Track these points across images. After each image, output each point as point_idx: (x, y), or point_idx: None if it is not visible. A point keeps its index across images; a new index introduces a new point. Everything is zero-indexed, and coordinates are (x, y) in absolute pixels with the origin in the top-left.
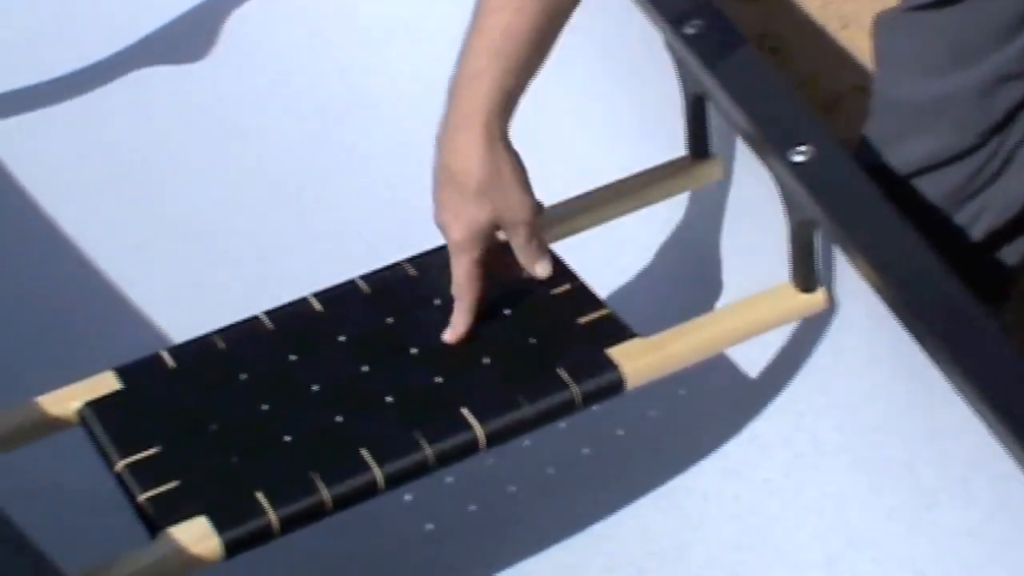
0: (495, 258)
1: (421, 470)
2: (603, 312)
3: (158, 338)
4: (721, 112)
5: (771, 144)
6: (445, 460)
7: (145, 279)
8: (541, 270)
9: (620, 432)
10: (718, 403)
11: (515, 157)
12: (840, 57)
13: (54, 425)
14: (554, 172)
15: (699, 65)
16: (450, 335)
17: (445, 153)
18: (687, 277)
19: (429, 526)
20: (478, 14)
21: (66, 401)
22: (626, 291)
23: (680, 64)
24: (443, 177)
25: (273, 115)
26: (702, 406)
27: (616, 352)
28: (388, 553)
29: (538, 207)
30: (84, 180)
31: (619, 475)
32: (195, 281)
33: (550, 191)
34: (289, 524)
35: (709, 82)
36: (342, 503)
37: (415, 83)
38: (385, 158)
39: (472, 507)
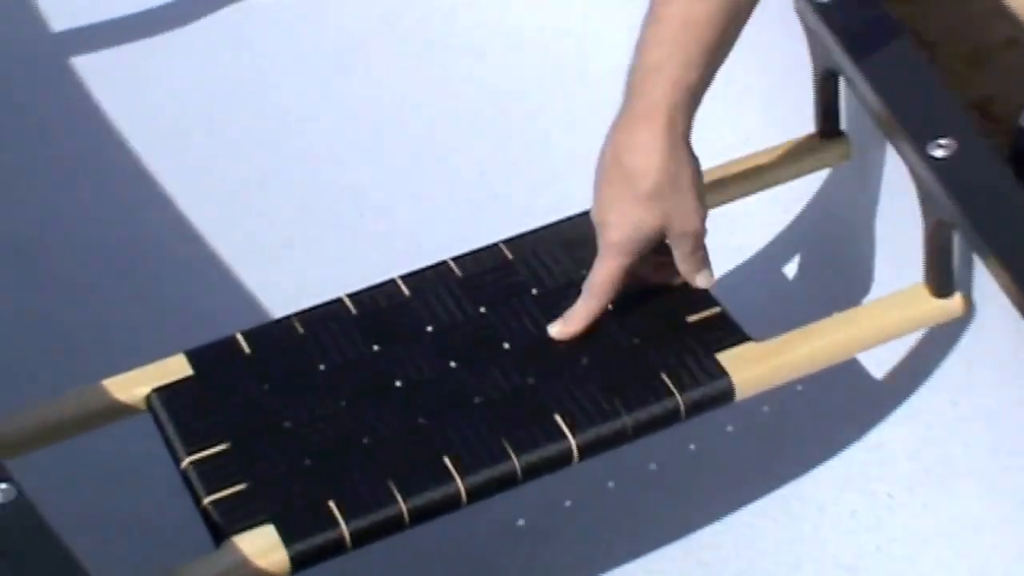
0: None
1: (507, 483)
2: (715, 310)
3: (235, 315)
4: (855, 92)
5: (908, 133)
6: (534, 472)
7: (229, 240)
8: (703, 280)
9: (729, 428)
10: (838, 403)
11: (695, 162)
12: (990, 5)
13: (122, 411)
14: None
15: (832, 37)
16: (559, 330)
17: (620, 148)
18: (808, 270)
19: (520, 522)
20: (655, 1)
21: (134, 386)
22: (739, 283)
23: (811, 35)
24: (614, 173)
25: (387, 51)
26: (820, 405)
27: (727, 358)
28: (476, 549)
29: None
30: (177, 121)
31: (725, 476)
32: (281, 243)
33: None
34: (361, 538)
35: (842, 58)
36: (420, 517)
37: (530, 30)
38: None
39: (567, 503)
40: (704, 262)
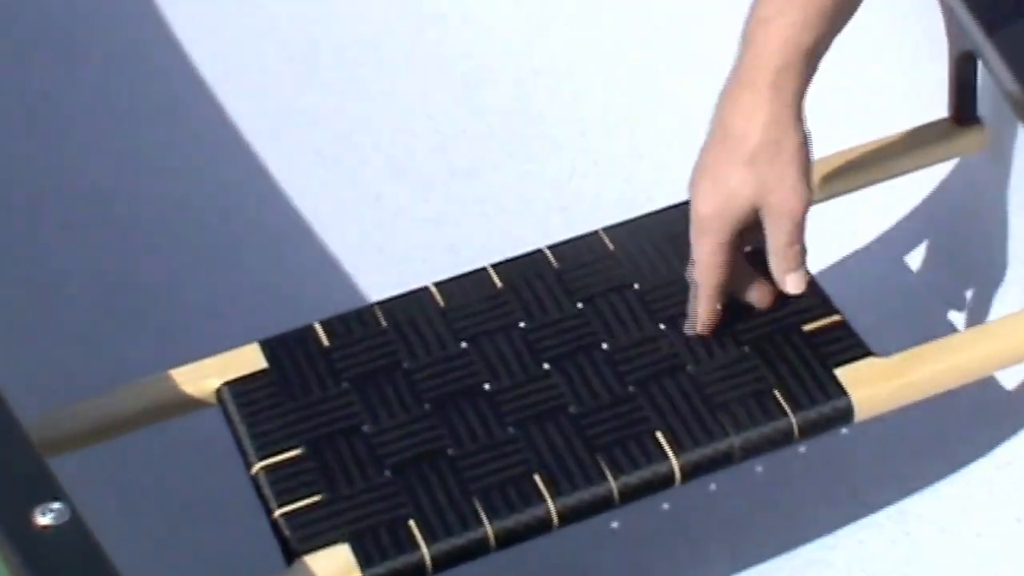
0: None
1: (603, 506)
2: (834, 318)
3: (317, 299)
4: (994, 76)
5: None
6: (632, 496)
7: (312, 212)
8: (792, 285)
9: (843, 430)
10: (966, 413)
11: (803, 134)
12: None
13: (189, 404)
14: None
15: (972, 16)
16: (695, 328)
17: (725, 108)
18: (939, 274)
19: (614, 524)
20: None
21: (203, 377)
22: (860, 286)
23: (949, 12)
24: (715, 135)
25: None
26: (943, 418)
27: (846, 374)
28: (569, 552)
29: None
30: (260, 70)
31: (837, 485)
32: (368, 205)
33: None
34: (443, 562)
35: (982, 39)
36: (507, 540)
37: None
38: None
39: (664, 505)
40: (799, 260)
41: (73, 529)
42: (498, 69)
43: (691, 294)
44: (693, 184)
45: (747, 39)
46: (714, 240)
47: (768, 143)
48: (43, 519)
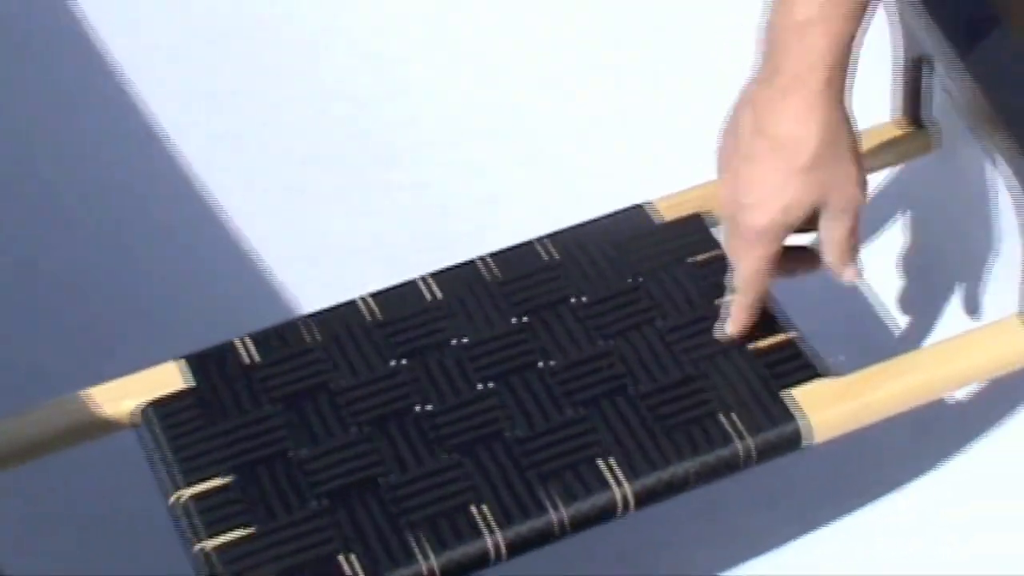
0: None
1: (546, 538)
2: (785, 336)
3: (242, 312)
4: (947, 80)
5: (1010, 135)
6: (576, 526)
7: (228, 205)
8: (851, 274)
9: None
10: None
11: (854, 124)
12: None
13: (106, 426)
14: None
15: (927, 22)
16: (729, 333)
17: (765, 117)
18: (888, 283)
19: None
20: None
21: (121, 397)
22: (808, 300)
23: (901, 19)
24: (759, 147)
25: None
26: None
27: (799, 395)
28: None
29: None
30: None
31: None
32: (297, 233)
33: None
34: None
35: (936, 44)
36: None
37: None
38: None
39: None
40: (856, 251)
41: None
42: (420, 42)
43: (729, 298)
44: (738, 198)
45: (781, 43)
46: (767, 251)
47: (828, 146)
48: None
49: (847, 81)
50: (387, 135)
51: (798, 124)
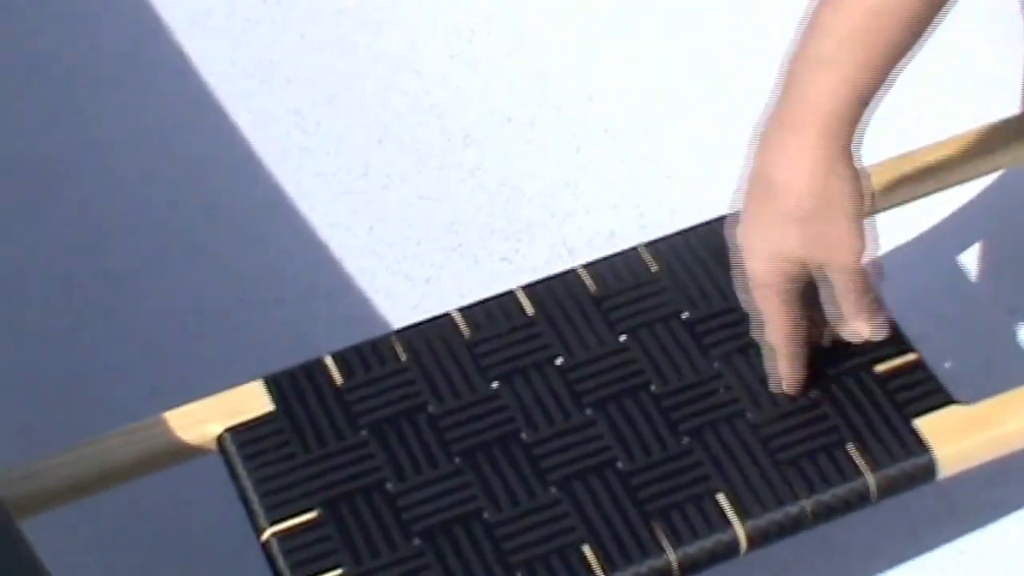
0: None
1: None
2: (910, 358)
3: (329, 326)
4: None
5: None
6: (692, 568)
7: (293, 184)
8: (868, 330)
9: None
10: None
11: (855, 180)
12: None
13: (185, 453)
14: None
15: None
16: (787, 388)
17: (766, 156)
18: (1016, 296)
19: None
20: None
21: (202, 422)
22: (936, 316)
23: None
24: (757, 187)
25: None
26: None
27: (927, 425)
28: None
29: (866, 250)
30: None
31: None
32: (358, 194)
33: None
34: None
35: None
36: None
37: None
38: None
39: None
40: (867, 306)
41: None
42: (495, 19)
43: (767, 354)
44: (738, 238)
45: (793, 78)
46: (777, 299)
47: (818, 199)
48: None
49: (854, 133)
50: (457, 112)
51: (790, 171)
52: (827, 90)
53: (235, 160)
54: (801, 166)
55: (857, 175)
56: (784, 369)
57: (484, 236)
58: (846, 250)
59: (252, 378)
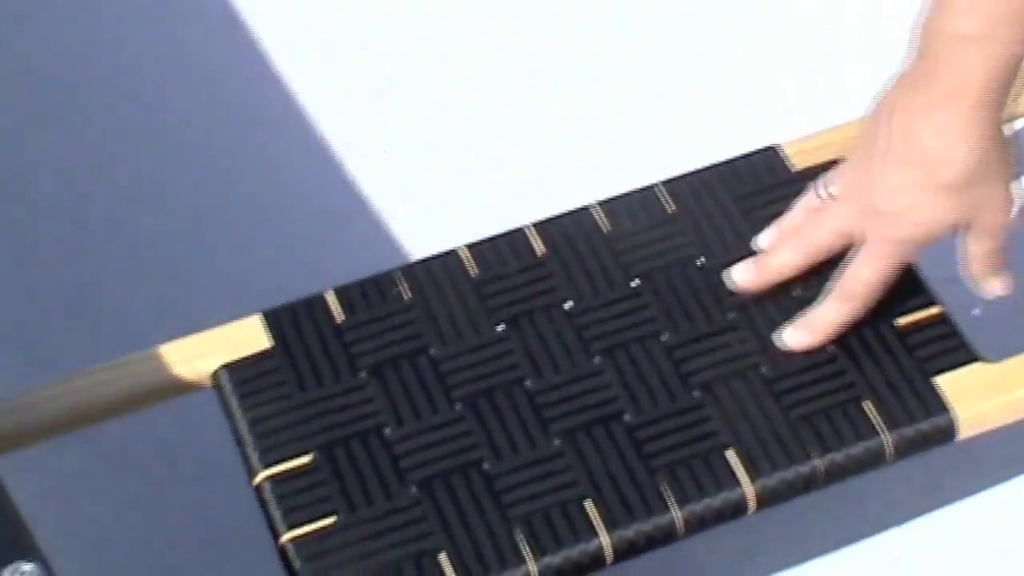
0: None
1: (665, 539)
2: (934, 311)
3: (332, 263)
4: None
5: None
6: (698, 527)
7: (313, 108)
8: (1000, 286)
9: None
10: None
11: (1007, 144)
12: None
13: (179, 388)
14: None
15: None
16: (793, 339)
17: (914, 125)
18: None
19: None
20: None
21: (197, 357)
22: (944, 270)
23: None
24: (904, 155)
25: None
26: None
27: (948, 383)
28: None
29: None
30: None
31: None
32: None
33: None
34: None
35: None
36: None
37: None
38: None
39: None
40: (1003, 262)
41: None
42: None
43: (827, 299)
44: (880, 204)
45: (938, 52)
46: (899, 263)
47: (975, 165)
48: None
49: (1006, 99)
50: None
51: (946, 141)
52: (980, 67)
53: (251, 77)
54: (958, 136)
55: (1006, 139)
56: (822, 318)
57: (512, 189)
58: (999, 212)
59: (257, 303)
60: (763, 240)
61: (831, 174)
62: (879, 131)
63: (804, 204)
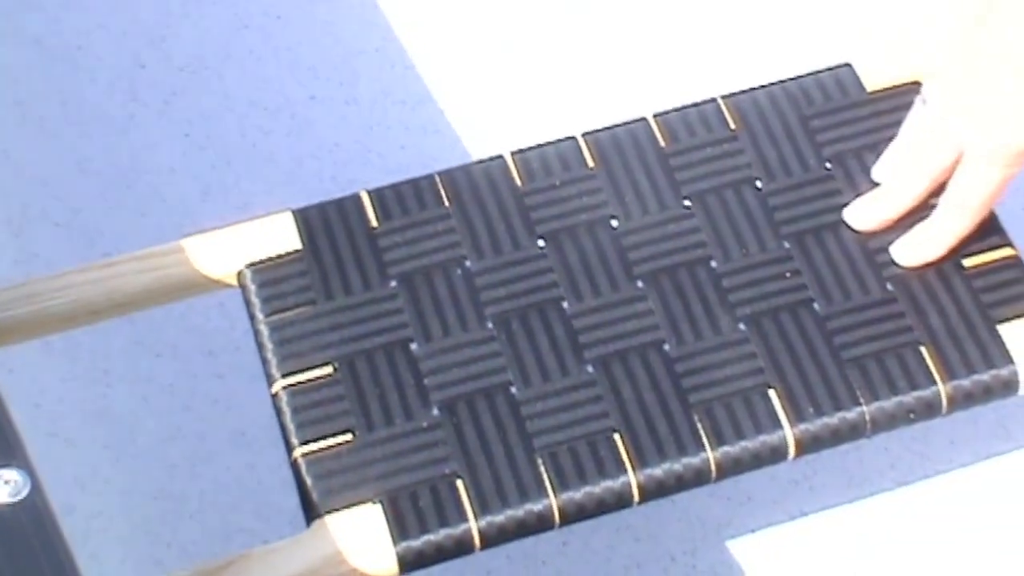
0: None
1: (696, 480)
2: (1006, 253)
3: (398, 136)
4: None
5: None
6: (731, 471)
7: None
8: None
9: None
10: None
11: None
12: None
13: (203, 285)
14: None
15: None
16: (904, 257)
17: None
18: None
19: None
20: None
21: (222, 252)
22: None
23: None
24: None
25: None
26: None
27: (1014, 332)
28: None
29: None
30: None
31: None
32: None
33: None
34: (494, 540)
35: None
36: (575, 516)
37: None
38: None
39: None
40: None
41: (30, 507)
42: None
43: (943, 211)
44: (999, 110)
45: None
46: (1012, 175)
47: None
48: None
49: None
50: None
51: None
52: None
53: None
54: None
55: None
56: (938, 232)
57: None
58: None
59: (305, 197)
60: (882, 170)
61: (930, 88)
62: (986, 39)
63: (913, 124)
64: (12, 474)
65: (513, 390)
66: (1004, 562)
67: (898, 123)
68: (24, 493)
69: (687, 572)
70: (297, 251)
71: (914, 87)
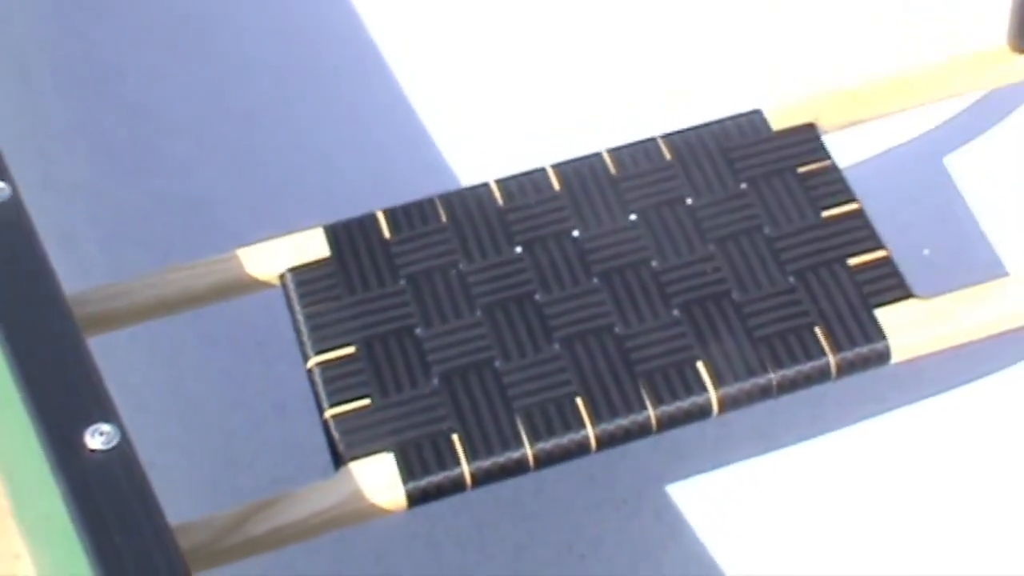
0: None
1: (640, 434)
2: (879, 254)
3: (394, 182)
4: None
5: None
6: (668, 425)
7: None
8: None
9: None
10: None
11: None
12: None
13: (254, 286)
14: (836, 49)
15: None
16: None
17: None
18: (990, 207)
19: None
20: None
21: (269, 259)
22: (900, 216)
23: None
24: None
25: None
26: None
27: (886, 315)
28: None
29: None
30: None
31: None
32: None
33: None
34: (483, 480)
35: None
36: (546, 462)
37: None
38: None
39: None
40: None
41: (120, 454)
42: None
43: None
44: None
45: None
46: None
47: None
48: (93, 442)
49: None
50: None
51: None
52: None
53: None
54: None
55: None
56: None
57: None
58: None
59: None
60: None
61: None
62: None
63: None
64: (107, 427)
65: (496, 364)
66: (882, 499)
67: (796, 156)
68: (115, 442)
69: (635, 512)
70: (327, 258)
71: (810, 128)
